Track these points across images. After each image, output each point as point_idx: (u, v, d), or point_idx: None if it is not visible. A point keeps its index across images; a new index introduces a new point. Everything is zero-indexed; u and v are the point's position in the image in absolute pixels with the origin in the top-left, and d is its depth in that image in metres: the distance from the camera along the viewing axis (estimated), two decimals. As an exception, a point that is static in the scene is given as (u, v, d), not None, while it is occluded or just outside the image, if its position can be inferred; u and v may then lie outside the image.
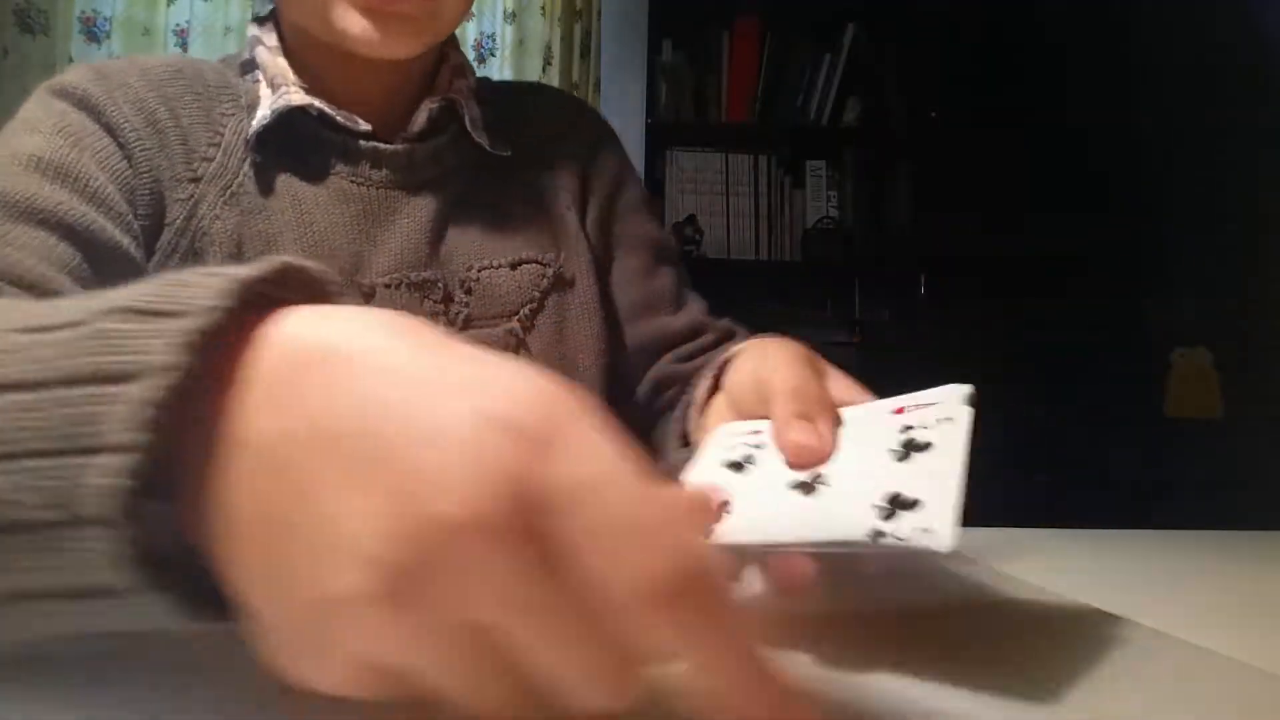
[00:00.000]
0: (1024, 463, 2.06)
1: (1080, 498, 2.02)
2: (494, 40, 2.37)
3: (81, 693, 0.26)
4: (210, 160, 0.58)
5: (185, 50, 2.16)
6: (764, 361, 0.42)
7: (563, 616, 0.20)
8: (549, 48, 2.36)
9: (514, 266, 0.64)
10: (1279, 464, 1.82)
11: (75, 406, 0.21)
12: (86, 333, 0.23)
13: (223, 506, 0.22)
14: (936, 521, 0.28)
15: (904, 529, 0.28)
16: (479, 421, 0.20)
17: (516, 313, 0.64)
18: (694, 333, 0.71)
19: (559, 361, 0.66)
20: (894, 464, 0.32)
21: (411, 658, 0.20)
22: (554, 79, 2.35)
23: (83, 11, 2.10)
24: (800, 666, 0.30)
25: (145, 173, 0.56)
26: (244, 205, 0.58)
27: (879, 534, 0.29)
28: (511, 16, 2.36)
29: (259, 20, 0.63)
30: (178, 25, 2.17)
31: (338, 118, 0.60)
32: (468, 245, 0.63)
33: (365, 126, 0.60)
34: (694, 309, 0.72)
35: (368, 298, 0.59)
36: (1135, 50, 2.26)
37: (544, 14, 2.37)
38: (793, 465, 0.35)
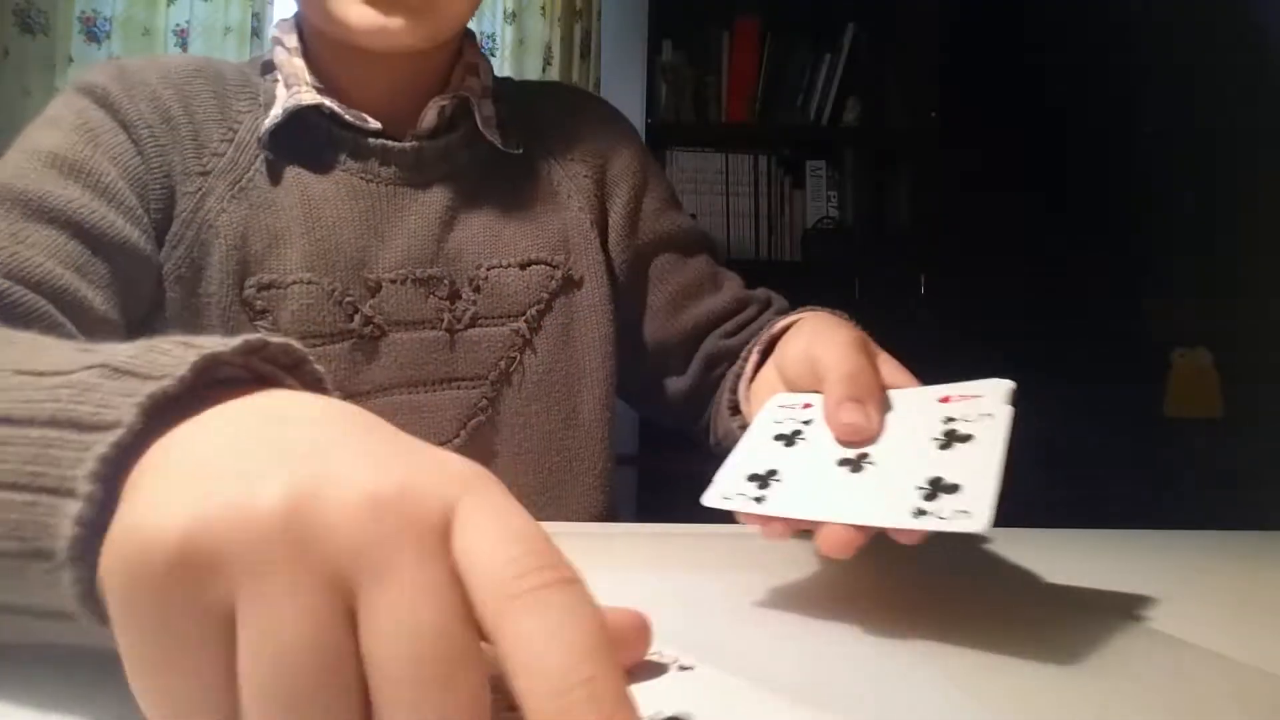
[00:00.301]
0: (1024, 463, 2.05)
1: (1080, 498, 2.02)
2: (494, 40, 2.37)
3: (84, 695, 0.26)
4: (221, 155, 0.59)
5: (185, 51, 2.16)
6: (818, 340, 0.44)
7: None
8: (549, 48, 2.36)
9: (523, 267, 0.65)
10: (1279, 464, 1.82)
11: (47, 448, 0.23)
12: (69, 381, 0.24)
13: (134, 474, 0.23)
14: (975, 505, 0.30)
15: (945, 510, 0.31)
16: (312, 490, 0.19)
17: (524, 313, 0.64)
18: (736, 308, 0.72)
19: (565, 364, 0.66)
20: (937, 451, 0.34)
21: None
22: (554, 79, 2.35)
23: (83, 11, 2.10)
24: (789, 659, 0.30)
25: (157, 167, 0.57)
26: (252, 200, 0.59)
27: (920, 512, 0.31)
28: (511, 16, 2.36)
29: (284, 22, 0.65)
30: (178, 25, 2.17)
31: (347, 116, 0.60)
32: (477, 243, 0.64)
33: (374, 125, 0.61)
34: (732, 286, 0.74)
35: (374, 292, 0.60)
36: (1135, 50, 2.26)
37: (544, 14, 2.37)
38: (841, 443, 0.37)
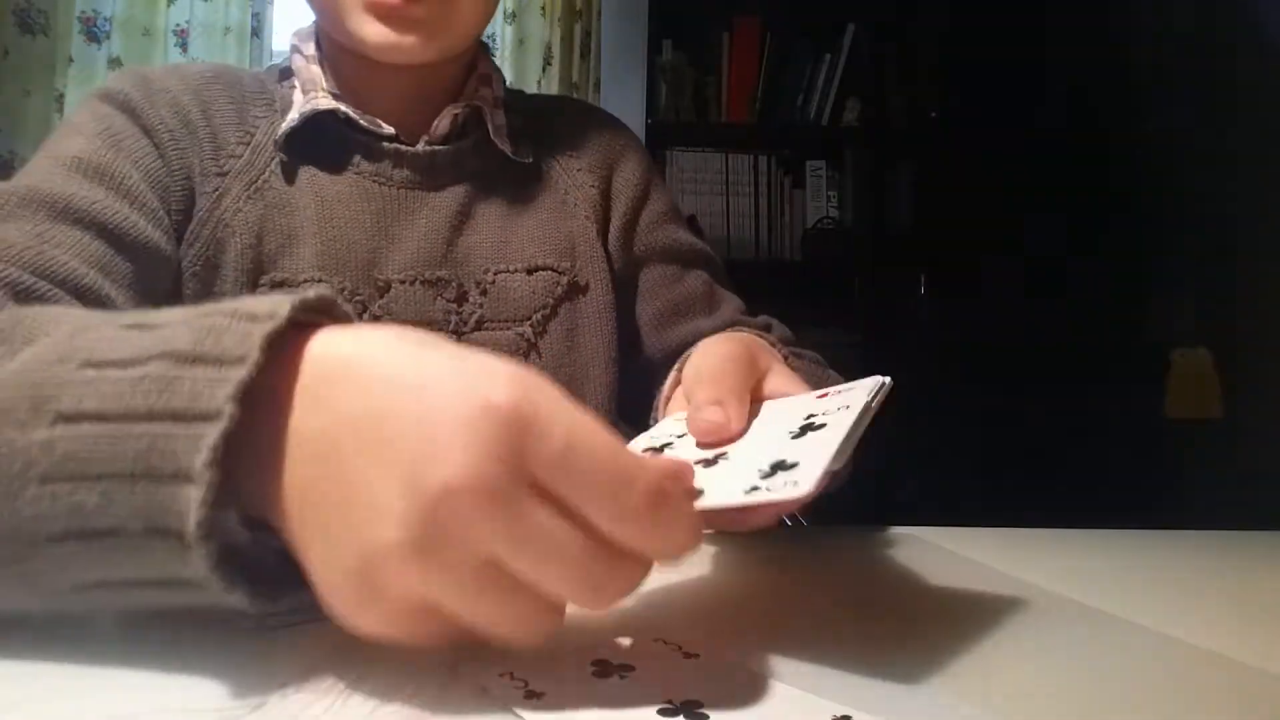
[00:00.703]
0: (1024, 463, 2.06)
1: (1080, 498, 2.02)
2: (494, 40, 2.37)
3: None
4: (238, 157, 0.61)
5: (184, 51, 2.16)
6: (705, 353, 0.45)
7: (557, 542, 0.25)
8: (549, 48, 2.36)
9: (530, 272, 0.66)
10: (1279, 464, 1.82)
11: (155, 441, 0.27)
12: (153, 373, 0.28)
13: (284, 492, 0.27)
14: (804, 475, 0.31)
15: (776, 484, 0.31)
16: (470, 406, 0.25)
17: (529, 318, 0.65)
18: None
19: (569, 369, 0.66)
20: (789, 441, 0.35)
21: (441, 595, 0.25)
22: (554, 79, 2.35)
23: (83, 11, 2.10)
24: (794, 663, 0.30)
25: (178, 169, 0.59)
26: (268, 200, 0.61)
27: (753, 489, 0.31)
28: (511, 16, 2.36)
29: (303, 28, 0.67)
30: (178, 25, 2.17)
31: (362, 121, 0.62)
32: (485, 248, 0.65)
33: (388, 130, 0.63)
34: (727, 310, 0.72)
35: (382, 293, 0.61)
36: (1136, 50, 2.26)
37: (544, 14, 2.37)
38: (701, 444, 0.38)
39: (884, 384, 0.38)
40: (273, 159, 0.62)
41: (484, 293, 0.64)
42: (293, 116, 0.61)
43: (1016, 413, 2.11)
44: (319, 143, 0.62)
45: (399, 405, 0.26)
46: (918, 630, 0.35)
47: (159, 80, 0.62)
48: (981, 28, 2.32)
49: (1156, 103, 2.24)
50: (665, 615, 0.36)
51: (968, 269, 2.27)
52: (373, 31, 0.58)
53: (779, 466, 0.32)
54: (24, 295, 0.47)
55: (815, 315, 2.36)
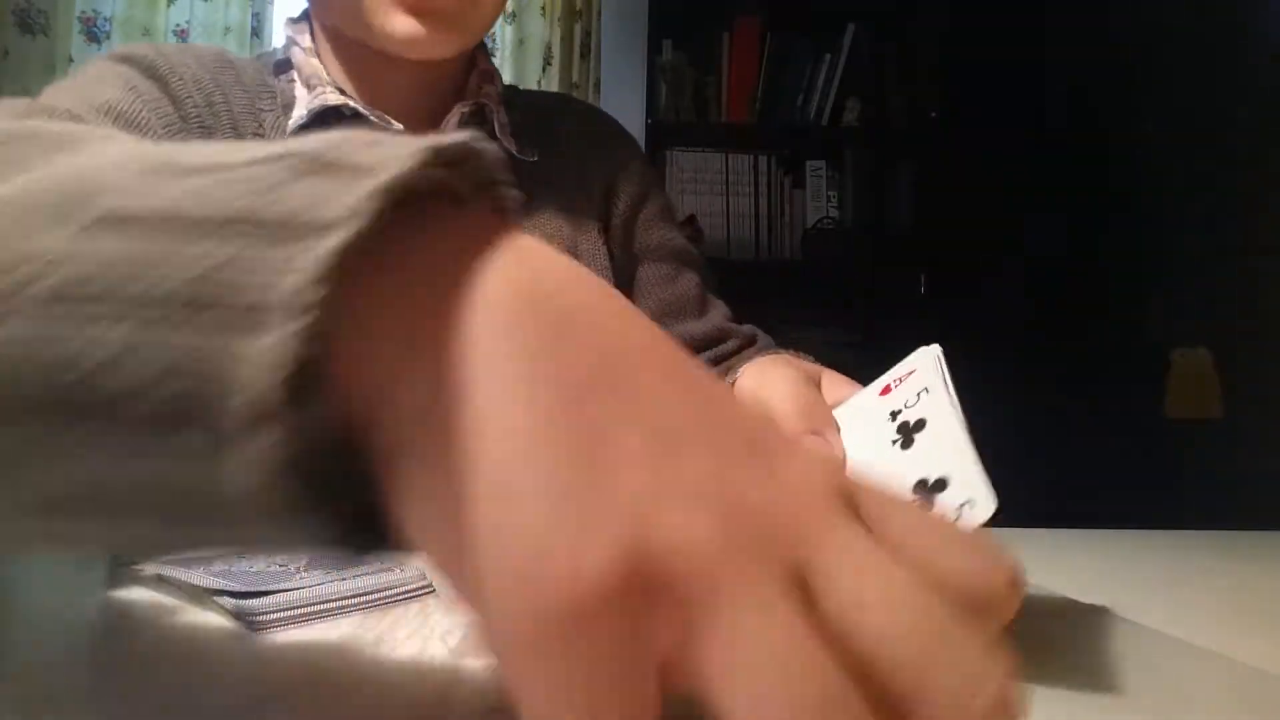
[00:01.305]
0: (1024, 463, 2.06)
1: (1080, 498, 2.02)
2: (494, 40, 2.37)
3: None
4: None
5: (185, 50, 2.17)
6: (765, 382, 0.43)
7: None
8: (549, 48, 2.36)
9: None
10: (1279, 464, 1.82)
11: (234, 257, 0.17)
12: (253, 175, 0.19)
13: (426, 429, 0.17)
14: (972, 491, 0.29)
15: (949, 511, 0.29)
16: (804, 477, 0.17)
17: None
18: (715, 339, 0.71)
19: None
20: (901, 452, 0.32)
21: None
22: (554, 79, 2.35)
23: (83, 11, 2.10)
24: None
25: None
26: None
27: None
28: (511, 16, 2.36)
29: (294, 21, 0.65)
30: (178, 25, 2.17)
31: (372, 118, 0.61)
32: None
33: (398, 127, 0.61)
34: (716, 315, 0.73)
35: None
36: (1136, 50, 2.26)
37: (544, 14, 2.37)
38: None
39: (938, 353, 0.36)
40: None
41: None
42: (300, 113, 0.60)
43: (1016, 412, 2.11)
44: None
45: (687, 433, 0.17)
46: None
47: (177, 55, 0.59)
48: (981, 28, 2.32)
49: (1157, 103, 2.23)
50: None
51: (968, 269, 2.27)
52: (401, 24, 0.56)
53: (929, 488, 0.30)
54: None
55: (815, 315, 2.37)
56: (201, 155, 0.20)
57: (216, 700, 0.25)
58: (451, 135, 0.19)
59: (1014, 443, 2.16)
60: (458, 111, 0.64)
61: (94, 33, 2.12)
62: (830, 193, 2.42)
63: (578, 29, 2.38)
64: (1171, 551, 0.57)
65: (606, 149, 0.73)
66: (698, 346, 0.71)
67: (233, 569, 0.34)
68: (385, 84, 0.63)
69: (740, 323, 0.74)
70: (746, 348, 0.71)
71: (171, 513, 0.18)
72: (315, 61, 0.62)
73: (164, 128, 0.54)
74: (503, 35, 2.36)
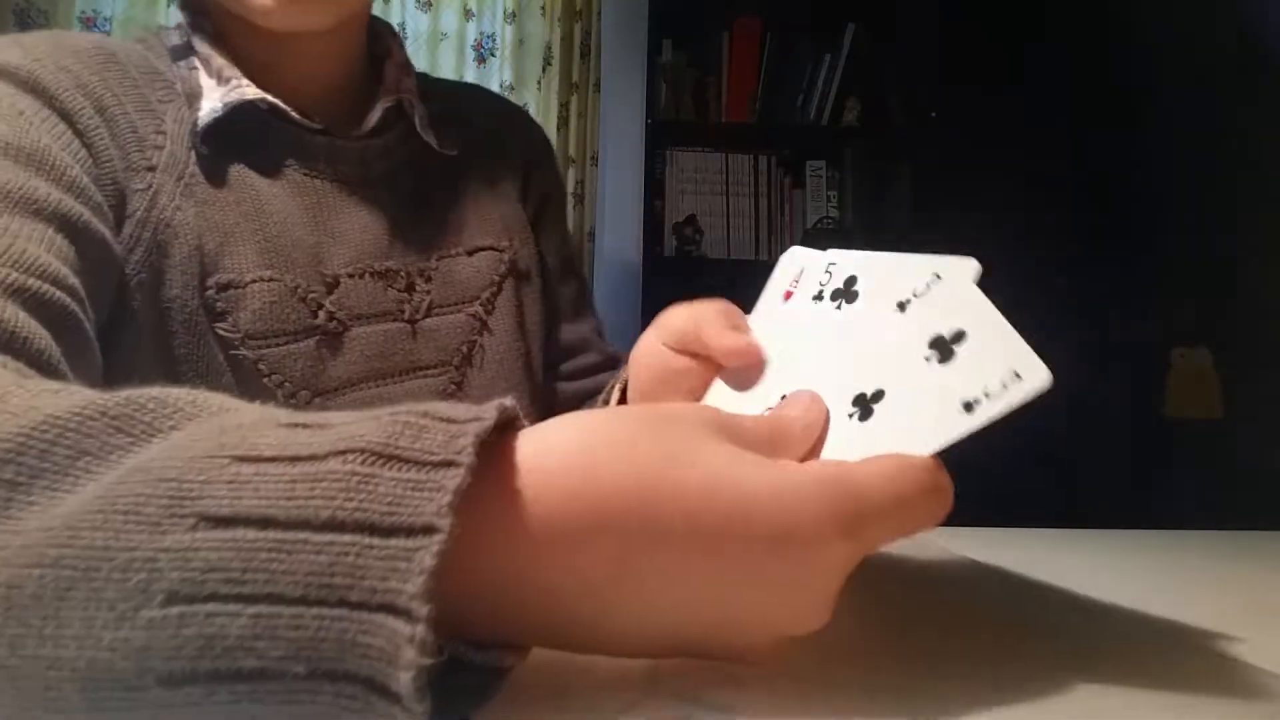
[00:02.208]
0: (1024, 463, 2.06)
1: (1080, 498, 2.02)
2: (494, 40, 2.37)
3: None
4: (161, 149, 0.55)
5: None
6: (659, 331, 0.46)
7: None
8: (549, 48, 2.36)
9: (470, 253, 0.66)
10: (1279, 464, 1.82)
11: (341, 554, 0.21)
12: (335, 470, 0.22)
13: (562, 591, 0.24)
14: (1019, 365, 0.28)
15: (994, 388, 0.28)
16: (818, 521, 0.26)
17: (478, 297, 0.66)
18: (579, 348, 0.74)
19: (521, 345, 0.68)
20: (942, 368, 0.31)
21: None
22: (554, 79, 2.35)
23: (82, 11, 2.11)
24: (792, 658, 0.30)
25: (104, 162, 0.52)
26: (198, 196, 0.56)
27: (970, 404, 0.29)
28: (511, 16, 2.36)
29: (184, 4, 0.61)
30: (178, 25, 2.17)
31: (292, 113, 0.59)
32: (424, 235, 0.65)
33: (317, 125, 0.60)
34: (586, 327, 0.76)
35: (331, 288, 0.59)
36: (1136, 50, 2.26)
37: (544, 14, 2.37)
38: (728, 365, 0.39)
39: (976, 270, 0.33)
40: (189, 151, 0.56)
41: (429, 279, 0.64)
42: (215, 106, 0.56)
43: (1016, 412, 2.10)
44: (239, 134, 0.57)
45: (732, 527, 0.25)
46: (915, 629, 0.35)
47: (52, 56, 0.52)
48: (981, 28, 2.32)
49: (1157, 103, 2.24)
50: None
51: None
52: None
53: (946, 342, 0.29)
54: (22, 296, 0.40)
55: (815, 315, 2.37)
56: (270, 442, 0.23)
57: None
58: (485, 420, 0.24)
59: (1014, 443, 2.16)
60: (380, 108, 0.63)
61: (94, 32, 2.12)
62: (830, 193, 2.42)
63: (578, 29, 2.38)
64: (1171, 551, 0.57)
65: (519, 142, 0.74)
66: (564, 351, 0.73)
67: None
68: (289, 71, 0.60)
69: (609, 344, 0.77)
70: (608, 367, 0.73)
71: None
72: (220, 51, 0.59)
73: (63, 150, 0.49)
74: (503, 35, 2.36)
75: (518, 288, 0.68)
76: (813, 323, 0.37)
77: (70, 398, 0.26)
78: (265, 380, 0.55)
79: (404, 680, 0.20)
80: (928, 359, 0.31)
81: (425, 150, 0.65)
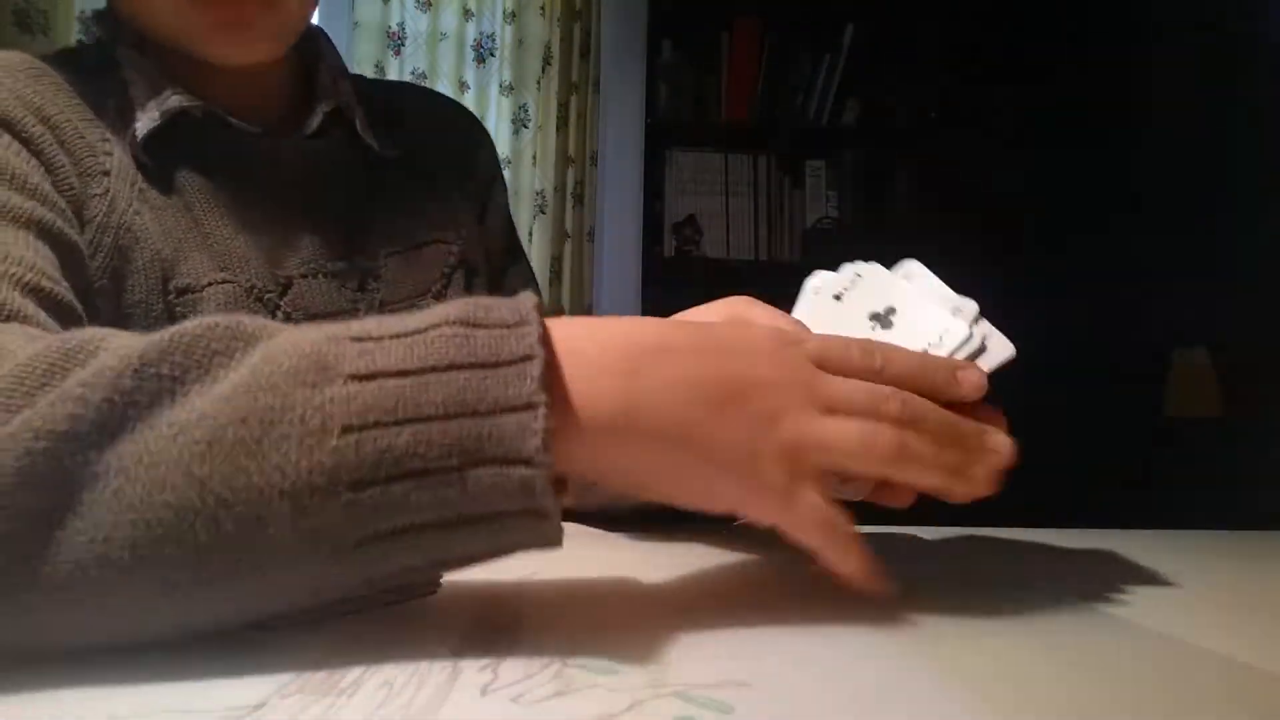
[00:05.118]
0: (1024, 463, 2.05)
1: (1080, 498, 2.02)
2: (494, 40, 2.37)
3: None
4: (110, 155, 0.55)
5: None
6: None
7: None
8: (549, 48, 2.36)
9: (419, 248, 0.67)
10: (1279, 464, 1.82)
11: (467, 383, 0.29)
12: (443, 334, 0.30)
13: (609, 442, 0.32)
14: (943, 327, 0.41)
15: (937, 349, 0.40)
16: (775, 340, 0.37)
17: (428, 290, 0.66)
18: None
19: None
20: (885, 332, 0.43)
21: (852, 443, 0.35)
22: (554, 79, 2.35)
23: (82, 11, 2.10)
24: (792, 657, 0.30)
25: (59, 168, 0.52)
26: (151, 202, 0.56)
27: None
28: (511, 16, 2.36)
29: (100, 16, 0.61)
30: (95, 40, 2.17)
31: (231, 121, 0.58)
32: (372, 234, 0.65)
33: (256, 130, 0.60)
34: None
35: (285, 289, 0.59)
36: (1136, 50, 2.26)
37: (544, 14, 2.37)
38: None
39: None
40: (132, 161, 0.56)
41: (378, 277, 0.64)
42: (153, 115, 0.56)
43: (1016, 412, 2.10)
44: (179, 142, 0.57)
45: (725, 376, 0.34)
46: (916, 630, 0.35)
47: None
48: (981, 28, 2.32)
49: (1157, 103, 2.24)
50: (653, 615, 0.36)
51: (967, 269, 2.27)
52: (202, 36, 0.55)
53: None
54: (37, 295, 0.42)
55: (815, 315, 2.37)
56: (376, 327, 0.31)
57: (218, 698, 0.25)
58: (531, 298, 0.32)
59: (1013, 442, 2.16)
60: (319, 113, 0.62)
61: (94, 33, 2.12)
62: (830, 193, 2.42)
63: (577, 29, 2.38)
64: (1171, 551, 0.57)
65: (459, 137, 0.75)
66: None
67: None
68: (223, 87, 0.60)
69: None
70: None
71: (453, 540, 0.30)
72: (149, 62, 0.58)
73: (17, 157, 0.49)
74: (502, 35, 2.36)
75: (468, 279, 0.69)
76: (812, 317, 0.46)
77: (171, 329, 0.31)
78: None
79: (531, 445, 0.28)
80: (872, 328, 0.43)
81: (367, 151, 0.65)
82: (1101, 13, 2.28)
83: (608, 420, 0.32)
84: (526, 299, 0.31)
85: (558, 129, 2.35)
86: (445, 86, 2.31)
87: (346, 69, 0.68)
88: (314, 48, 0.67)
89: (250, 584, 0.28)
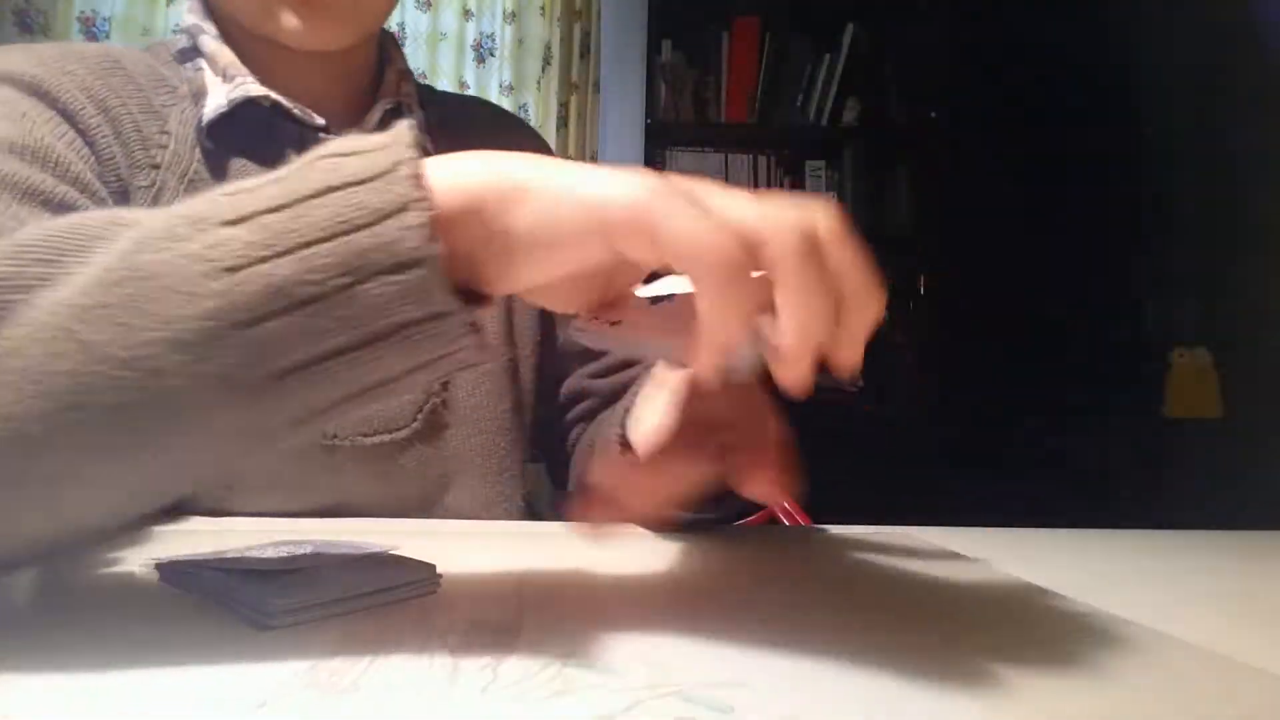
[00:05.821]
0: (1024, 463, 2.06)
1: (1080, 498, 2.02)
2: (494, 40, 2.37)
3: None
4: (165, 148, 0.58)
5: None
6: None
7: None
8: (549, 48, 2.36)
9: None
10: (1279, 464, 1.82)
11: (343, 204, 0.28)
12: (313, 165, 0.30)
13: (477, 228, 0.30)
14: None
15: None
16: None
17: None
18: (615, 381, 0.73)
19: (510, 350, 0.68)
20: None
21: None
22: (554, 79, 2.35)
23: (82, 11, 2.10)
24: (792, 657, 0.30)
25: (108, 160, 0.55)
26: (200, 192, 0.57)
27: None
28: (511, 16, 2.36)
29: (194, 8, 0.63)
30: (177, 25, 2.17)
31: (295, 110, 0.60)
32: None
33: (320, 121, 0.61)
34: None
35: None
36: (1136, 50, 2.26)
37: (544, 14, 2.37)
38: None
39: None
40: (194, 149, 0.58)
41: None
42: (219, 103, 0.58)
43: (1016, 412, 2.11)
44: (243, 131, 0.59)
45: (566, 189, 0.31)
46: (916, 630, 0.35)
47: (57, 61, 0.55)
48: (981, 27, 2.32)
49: (1157, 102, 2.24)
50: (653, 615, 0.36)
51: (968, 269, 2.27)
52: (286, 20, 0.57)
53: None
54: None
55: (815, 315, 2.37)
56: (239, 186, 0.30)
57: (218, 697, 0.25)
58: (401, 136, 0.30)
59: (1013, 443, 2.16)
60: (379, 109, 0.64)
61: (93, 32, 2.12)
62: (830, 193, 2.42)
63: (577, 29, 2.38)
64: (1171, 551, 0.57)
65: (517, 147, 0.75)
66: (585, 350, 0.70)
67: (244, 555, 0.34)
68: (297, 76, 0.62)
69: None
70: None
71: (370, 332, 0.28)
72: (228, 50, 0.60)
73: (67, 147, 0.51)
74: (502, 35, 2.36)
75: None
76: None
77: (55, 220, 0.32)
78: None
79: (410, 245, 0.28)
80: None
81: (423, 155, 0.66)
82: (1101, 12, 2.28)
83: (480, 187, 0.31)
84: (400, 126, 0.31)
85: (558, 129, 2.35)
86: (445, 86, 2.31)
87: (412, 74, 0.70)
88: (385, 50, 0.69)
89: (174, 437, 0.28)
